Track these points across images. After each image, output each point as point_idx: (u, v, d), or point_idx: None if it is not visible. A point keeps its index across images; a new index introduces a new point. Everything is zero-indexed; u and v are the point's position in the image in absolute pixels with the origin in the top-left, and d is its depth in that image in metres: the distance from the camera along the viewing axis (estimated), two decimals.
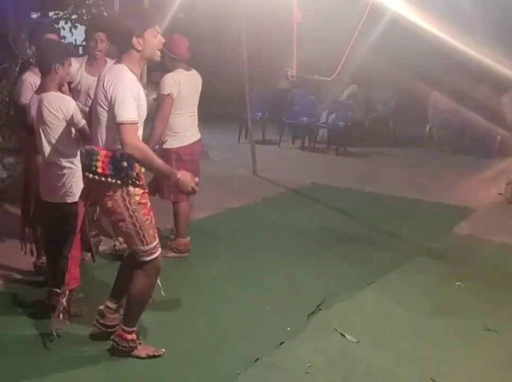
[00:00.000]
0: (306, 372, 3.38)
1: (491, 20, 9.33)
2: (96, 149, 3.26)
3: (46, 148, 3.80)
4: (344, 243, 5.58)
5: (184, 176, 3.23)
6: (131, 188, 3.23)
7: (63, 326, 3.47)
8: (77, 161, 3.87)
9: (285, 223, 6.19)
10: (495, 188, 7.50)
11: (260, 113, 10.81)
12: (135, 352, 3.42)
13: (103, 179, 3.21)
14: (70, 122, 3.78)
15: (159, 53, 3.32)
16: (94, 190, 3.32)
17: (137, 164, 3.23)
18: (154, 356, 3.43)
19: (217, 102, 11.30)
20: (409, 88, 10.24)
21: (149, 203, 3.35)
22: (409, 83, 9.92)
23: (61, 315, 3.46)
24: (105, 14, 7.95)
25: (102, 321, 3.61)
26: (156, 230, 3.37)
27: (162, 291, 3.62)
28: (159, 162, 3.22)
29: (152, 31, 3.23)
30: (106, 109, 3.19)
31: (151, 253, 3.30)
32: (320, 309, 4.15)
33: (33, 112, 3.85)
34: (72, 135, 3.84)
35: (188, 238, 5.09)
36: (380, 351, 3.64)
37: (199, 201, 6.43)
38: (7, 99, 6.47)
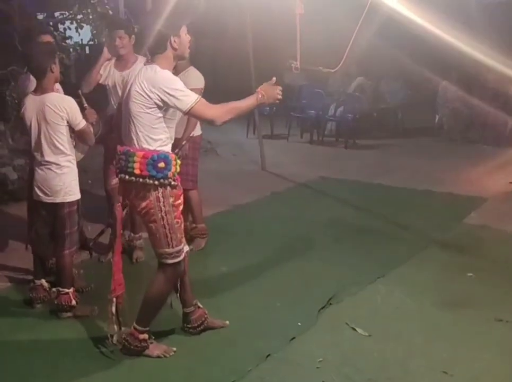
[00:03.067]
0: (317, 367, 3.37)
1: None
2: (131, 150, 3.21)
3: (45, 148, 3.83)
4: (354, 236, 5.57)
5: (265, 92, 3.17)
6: (167, 189, 3.22)
7: (119, 333, 3.46)
8: (74, 159, 3.93)
9: (294, 217, 6.18)
10: (506, 177, 7.44)
11: (268, 108, 10.76)
12: (147, 352, 3.43)
13: (141, 180, 3.18)
14: (72, 122, 3.81)
15: (188, 50, 3.28)
16: (129, 191, 3.29)
17: (173, 164, 3.22)
18: (164, 356, 3.44)
19: (223, 97, 11.28)
20: (418, 78, 10.17)
21: (181, 205, 3.34)
22: (418, 73, 9.84)
23: (115, 326, 3.45)
24: (110, 12, 7.98)
25: (189, 326, 3.67)
26: (183, 234, 3.37)
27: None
28: (243, 105, 3.20)
29: (184, 28, 3.18)
30: (147, 110, 3.13)
31: (174, 257, 3.30)
32: (330, 303, 4.14)
33: (28, 113, 3.84)
34: (71, 135, 3.87)
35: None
36: (392, 344, 3.63)
37: (208, 198, 6.44)
38: (16, 101, 6.50)
